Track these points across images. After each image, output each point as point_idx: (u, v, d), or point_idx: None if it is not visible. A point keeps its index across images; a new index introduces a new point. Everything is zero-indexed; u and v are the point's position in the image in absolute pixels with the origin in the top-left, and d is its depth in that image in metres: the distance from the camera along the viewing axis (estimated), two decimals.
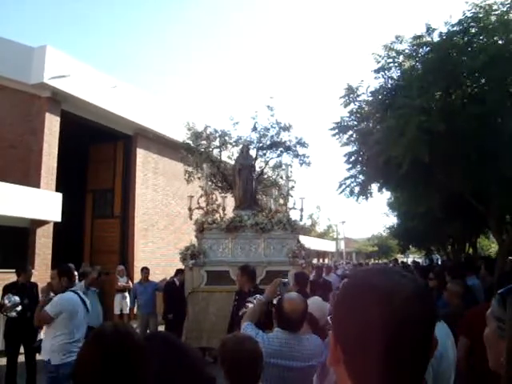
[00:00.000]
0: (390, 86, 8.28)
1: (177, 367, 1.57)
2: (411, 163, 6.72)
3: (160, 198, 17.00)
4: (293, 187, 10.47)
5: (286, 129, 14.18)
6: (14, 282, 7.45)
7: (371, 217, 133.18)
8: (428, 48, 7.54)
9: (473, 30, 7.16)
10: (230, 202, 10.70)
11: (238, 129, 14.69)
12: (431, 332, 0.86)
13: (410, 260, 33.51)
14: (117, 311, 12.00)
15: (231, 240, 9.07)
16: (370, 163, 8.36)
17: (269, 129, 14.17)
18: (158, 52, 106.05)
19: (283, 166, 13.04)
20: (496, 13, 7.14)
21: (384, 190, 10.40)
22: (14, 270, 7.70)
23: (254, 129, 14.17)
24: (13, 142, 12.51)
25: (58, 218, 12.22)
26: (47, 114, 12.47)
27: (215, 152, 14.41)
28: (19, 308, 6.84)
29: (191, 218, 9.39)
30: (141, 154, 16.03)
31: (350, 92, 8.74)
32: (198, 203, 9.54)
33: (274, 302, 3.57)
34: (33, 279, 8.06)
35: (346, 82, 8.89)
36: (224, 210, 9.61)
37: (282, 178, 12.65)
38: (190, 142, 14.28)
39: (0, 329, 8.68)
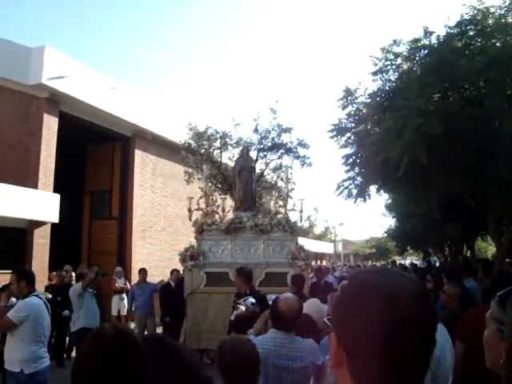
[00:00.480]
0: (387, 88, 8.29)
1: (172, 369, 1.56)
2: (409, 164, 6.72)
3: (158, 199, 16.98)
4: (292, 189, 10.47)
5: (287, 131, 14.20)
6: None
7: (369, 219, 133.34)
8: (426, 50, 7.56)
9: (471, 33, 7.18)
10: (229, 203, 10.70)
11: (239, 130, 14.72)
12: (433, 333, 0.86)
13: (407, 262, 33.51)
14: (114, 312, 11.97)
15: (230, 241, 9.07)
16: (368, 165, 8.37)
17: (270, 131, 14.18)
18: (158, 52, 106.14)
19: (283, 168, 13.06)
20: (494, 16, 7.17)
21: (382, 191, 10.41)
22: (10, 271, 7.66)
23: (256, 130, 14.18)
24: (11, 143, 12.48)
25: (56, 219, 12.19)
26: (45, 115, 12.45)
27: (216, 153, 14.41)
28: None
29: (191, 219, 9.38)
30: (139, 155, 16.01)
31: (348, 94, 8.76)
32: (198, 204, 9.54)
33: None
34: None
35: (344, 84, 8.92)
36: (224, 211, 9.61)
37: (282, 179, 12.66)
38: (192, 142, 14.28)
39: None
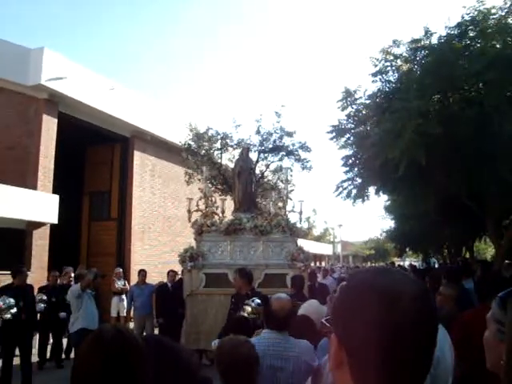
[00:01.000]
0: (387, 89, 8.30)
1: (171, 369, 1.56)
2: (408, 165, 6.72)
3: (157, 200, 16.98)
4: (292, 190, 10.48)
5: (290, 134, 14.20)
6: (9, 284, 7.40)
7: (368, 220, 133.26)
8: (426, 51, 7.56)
9: (471, 34, 7.18)
10: (229, 204, 10.69)
11: (240, 131, 14.71)
12: (434, 333, 0.86)
13: (406, 263, 33.52)
14: (114, 313, 11.96)
15: (230, 242, 9.06)
16: (367, 166, 8.37)
17: (272, 133, 14.19)
18: (159, 53, 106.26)
19: (283, 170, 13.07)
20: (494, 17, 7.17)
21: (381, 192, 10.42)
22: (9, 272, 7.67)
23: (258, 132, 14.17)
24: (10, 144, 12.48)
25: (55, 220, 12.18)
26: (44, 116, 12.45)
27: (216, 154, 14.40)
28: (14, 310, 6.79)
29: (190, 221, 9.37)
30: (138, 156, 16.01)
31: (348, 95, 8.77)
32: (197, 205, 9.53)
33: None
34: (29, 281, 8.03)
35: (343, 85, 8.92)
36: (223, 212, 9.60)
37: (281, 181, 12.67)
38: (192, 143, 14.27)
39: None
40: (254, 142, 14.07)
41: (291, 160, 14.40)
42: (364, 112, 8.84)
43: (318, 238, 52.72)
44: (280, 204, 9.79)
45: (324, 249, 46.93)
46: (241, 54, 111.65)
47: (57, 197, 12.32)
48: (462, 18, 7.13)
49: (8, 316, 6.78)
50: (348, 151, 9.41)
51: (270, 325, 3.14)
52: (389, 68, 8.17)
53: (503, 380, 1.25)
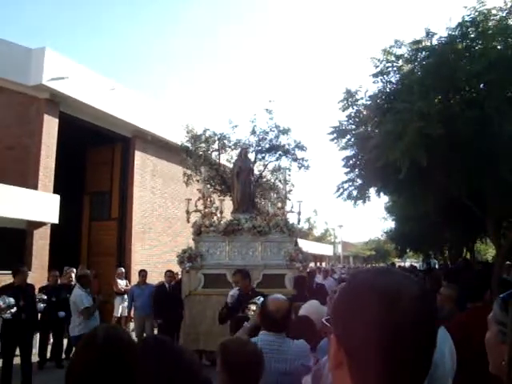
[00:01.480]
0: (388, 90, 8.28)
1: (173, 370, 1.57)
2: (409, 167, 6.71)
3: (158, 200, 16.99)
4: (291, 191, 10.48)
5: (285, 132, 14.20)
6: (9, 283, 7.41)
7: (369, 221, 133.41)
8: (427, 52, 7.55)
9: (472, 35, 7.18)
10: (228, 205, 10.69)
11: (237, 132, 14.73)
12: (434, 333, 0.86)
13: (407, 264, 33.51)
14: (117, 313, 11.98)
15: (228, 243, 9.07)
16: (368, 167, 8.35)
17: (268, 132, 14.19)
18: (158, 54, 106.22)
19: (281, 170, 13.08)
20: (495, 18, 7.17)
21: (382, 193, 10.40)
22: (10, 272, 7.67)
23: (253, 132, 14.19)
24: (11, 144, 12.50)
25: (56, 220, 12.19)
26: (45, 116, 12.46)
27: (214, 155, 14.42)
28: (14, 310, 6.78)
29: (189, 221, 9.38)
30: (139, 157, 16.02)
31: (349, 96, 8.75)
32: (196, 206, 9.54)
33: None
34: (29, 281, 8.03)
35: (344, 85, 8.92)
36: (222, 213, 9.60)
37: (280, 181, 12.68)
38: (189, 145, 14.29)
39: None
40: (251, 142, 14.09)
41: (289, 159, 14.42)
42: (365, 113, 8.82)
43: (319, 239, 52.76)
44: (279, 204, 9.80)
45: (325, 249, 46.95)
46: (241, 54, 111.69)
47: (57, 197, 12.33)
48: (463, 18, 7.12)
49: (8, 316, 6.79)
50: (349, 152, 9.39)
51: (266, 326, 3.12)
52: (390, 69, 8.16)
53: (505, 381, 1.25)
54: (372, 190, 9.76)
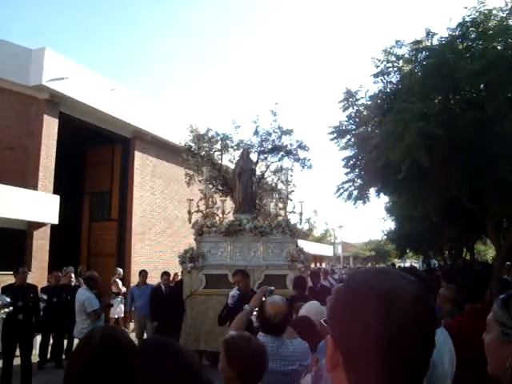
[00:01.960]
0: (389, 90, 8.28)
1: (174, 370, 1.57)
2: (409, 167, 6.71)
3: (157, 201, 16.98)
4: (292, 191, 10.47)
5: (288, 133, 14.19)
6: (10, 283, 7.44)
7: (369, 221, 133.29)
8: (427, 52, 7.55)
9: (472, 35, 7.17)
10: (229, 205, 10.69)
11: (240, 132, 14.73)
12: (432, 334, 0.85)
13: (407, 265, 33.49)
14: (114, 314, 11.96)
15: (230, 243, 9.06)
16: (368, 167, 8.34)
17: (270, 133, 14.18)
18: (158, 54, 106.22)
19: (283, 171, 13.07)
20: (495, 18, 7.17)
21: (382, 194, 10.39)
22: (11, 272, 7.70)
23: (256, 133, 14.18)
24: (10, 144, 12.49)
25: (56, 221, 12.19)
26: (45, 116, 12.46)
27: (216, 155, 14.41)
28: (8, 309, 6.72)
29: (190, 222, 9.37)
30: (138, 157, 16.02)
31: (349, 96, 8.74)
32: (198, 206, 9.53)
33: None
34: (29, 281, 8.03)
35: (345, 85, 8.91)
36: (223, 213, 9.60)
37: (282, 182, 12.67)
38: (193, 145, 14.28)
39: None
40: (253, 143, 14.09)
41: (291, 160, 14.42)
42: (365, 113, 8.81)
43: (319, 239, 52.71)
44: (280, 205, 9.79)
45: (324, 250, 46.92)
46: (241, 54, 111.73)
47: (57, 197, 12.32)
48: (463, 19, 7.12)
49: (1, 315, 6.75)
50: (349, 152, 9.38)
51: (264, 329, 3.11)
52: (390, 69, 8.16)
53: (507, 383, 1.24)
54: (372, 191, 9.76)
